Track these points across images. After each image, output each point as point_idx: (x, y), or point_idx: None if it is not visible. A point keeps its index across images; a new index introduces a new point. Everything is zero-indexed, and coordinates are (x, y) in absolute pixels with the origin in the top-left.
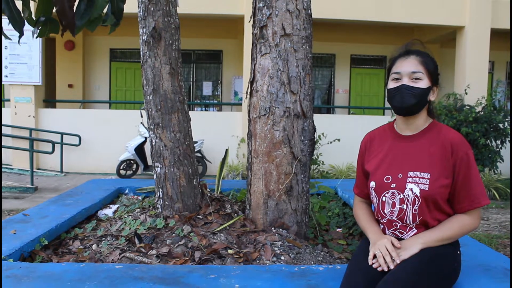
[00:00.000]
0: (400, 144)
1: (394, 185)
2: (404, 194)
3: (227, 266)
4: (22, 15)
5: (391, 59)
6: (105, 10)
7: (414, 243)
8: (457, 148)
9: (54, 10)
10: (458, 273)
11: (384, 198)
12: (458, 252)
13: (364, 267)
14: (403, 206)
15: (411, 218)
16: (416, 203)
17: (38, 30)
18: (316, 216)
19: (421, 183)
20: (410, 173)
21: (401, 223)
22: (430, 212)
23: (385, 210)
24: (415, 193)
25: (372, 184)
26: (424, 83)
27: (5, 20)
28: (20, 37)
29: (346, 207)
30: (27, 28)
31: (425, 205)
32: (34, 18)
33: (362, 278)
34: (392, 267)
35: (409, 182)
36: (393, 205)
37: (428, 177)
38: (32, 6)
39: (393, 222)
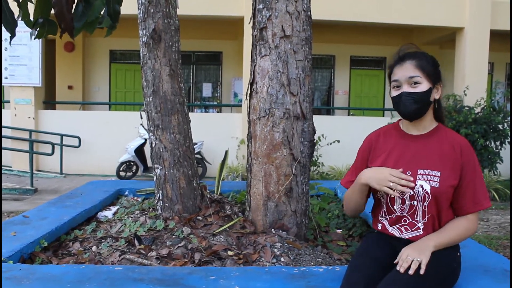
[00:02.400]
0: (407, 142)
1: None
2: (414, 191)
3: (226, 268)
4: (16, 16)
5: (389, 66)
6: (102, 12)
7: (427, 246)
8: (465, 151)
9: (52, 11)
10: (458, 274)
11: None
12: (458, 254)
13: (364, 268)
14: (413, 202)
15: (421, 215)
16: (426, 199)
17: (36, 32)
18: (316, 218)
19: (432, 181)
20: (420, 171)
21: (410, 220)
22: (437, 210)
23: (394, 207)
24: (425, 189)
25: None
26: (423, 86)
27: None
28: (11, 38)
29: None
30: (26, 29)
31: (434, 203)
32: (32, 20)
33: (362, 279)
34: (412, 186)
35: (419, 179)
36: (403, 201)
37: (439, 175)
38: (30, 7)
39: (402, 218)
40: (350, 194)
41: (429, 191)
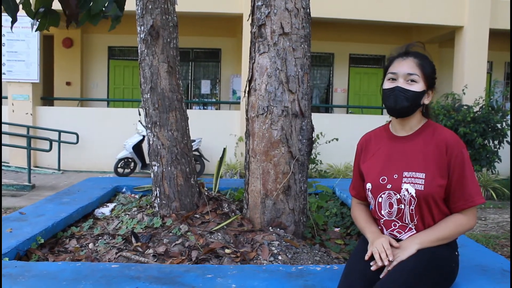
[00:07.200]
0: (395, 145)
1: (390, 185)
2: (400, 194)
3: (224, 266)
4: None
5: (389, 58)
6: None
7: (411, 244)
8: (451, 147)
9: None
10: (456, 274)
11: (380, 199)
12: (456, 253)
13: (361, 267)
14: (401, 206)
15: (409, 218)
16: (412, 203)
17: (38, 23)
18: (314, 216)
19: (416, 183)
20: (405, 174)
21: (400, 223)
22: (427, 211)
23: (382, 211)
24: (410, 193)
25: (368, 185)
26: (418, 87)
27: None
28: (13, 22)
29: (344, 206)
30: (25, 25)
31: (421, 205)
32: (33, 10)
33: (359, 278)
34: (386, 263)
35: (405, 182)
36: (390, 205)
37: (423, 177)
38: None
39: (392, 222)
40: (356, 221)
41: (414, 195)
